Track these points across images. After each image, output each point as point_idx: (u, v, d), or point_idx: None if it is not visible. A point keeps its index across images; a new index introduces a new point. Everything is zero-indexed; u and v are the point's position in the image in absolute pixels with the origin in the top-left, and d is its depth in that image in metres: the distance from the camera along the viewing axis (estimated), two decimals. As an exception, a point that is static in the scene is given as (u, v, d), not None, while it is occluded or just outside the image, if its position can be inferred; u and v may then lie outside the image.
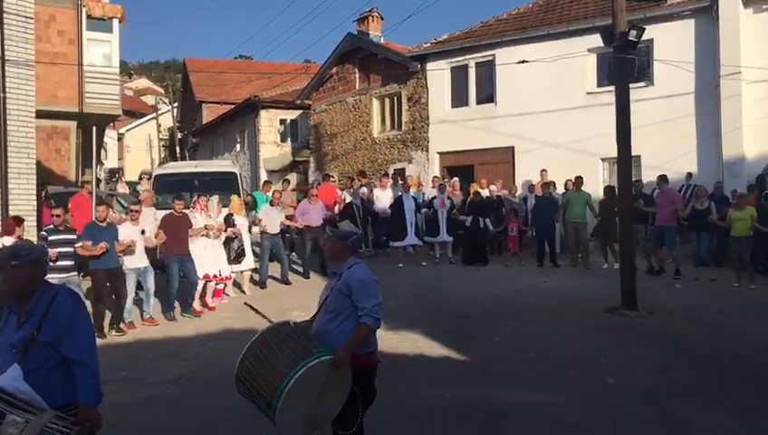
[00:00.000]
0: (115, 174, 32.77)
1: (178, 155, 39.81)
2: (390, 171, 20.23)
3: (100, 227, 9.51)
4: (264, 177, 25.87)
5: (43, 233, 9.42)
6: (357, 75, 23.41)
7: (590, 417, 5.96)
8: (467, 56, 19.65)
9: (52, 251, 8.71)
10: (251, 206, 14.86)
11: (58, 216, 9.32)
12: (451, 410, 6.13)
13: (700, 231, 12.50)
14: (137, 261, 9.97)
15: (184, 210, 10.96)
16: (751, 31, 15.16)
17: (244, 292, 12.15)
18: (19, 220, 9.14)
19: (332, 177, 18.40)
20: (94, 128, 13.76)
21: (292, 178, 23.19)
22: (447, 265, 14.48)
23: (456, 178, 17.01)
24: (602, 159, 16.60)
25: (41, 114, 12.64)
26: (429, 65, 20.37)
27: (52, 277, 7.97)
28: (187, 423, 5.98)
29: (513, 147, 18.42)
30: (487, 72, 19.34)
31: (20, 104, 10.69)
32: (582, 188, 14.45)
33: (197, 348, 8.78)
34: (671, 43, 15.85)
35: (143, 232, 10.19)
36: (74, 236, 9.33)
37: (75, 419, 3.33)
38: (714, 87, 15.28)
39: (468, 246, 14.81)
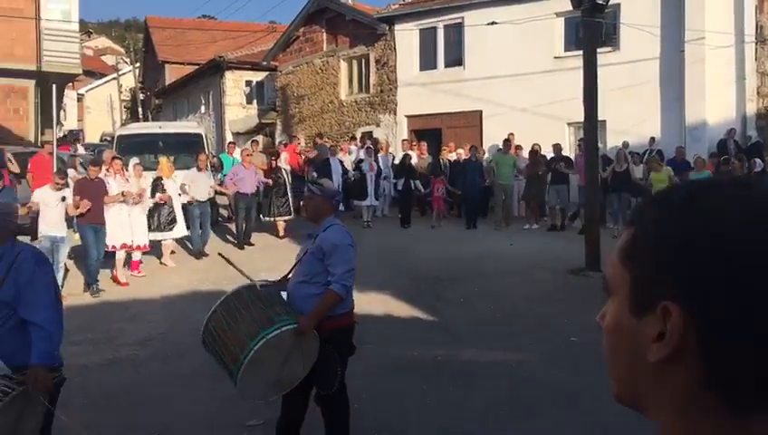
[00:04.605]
0: (76, 135, 32.04)
1: (141, 117, 38.98)
2: (358, 134, 20.12)
3: None
4: (229, 139, 25.51)
5: None
6: (324, 37, 23.07)
7: (553, 374, 6.11)
8: (436, 18, 19.48)
9: None
10: (217, 168, 14.65)
11: None
12: (420, 369, 6.22)
13: (620, 192, 13.16)
14: (51, 229, 9.22)
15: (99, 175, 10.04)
16: (716, -4, 15.30)
17: (164, 264, 11.34)
18: None
19: (298, 138, 18.20)
20: (54, 87, 13.40)
21: (260, 139, 22.91)
22: (393, 228, 14.45)
23: (425, 142, 17.09)
24: (568, 124, 16.72)
25: (-3, 72, 12.28)
26: (397, 27, 20.15)
27: None
28: (155, 382, 5.97)
29: (480, 110, 18.43)
30: (456, 35, 19.21)
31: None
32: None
33: (164, 309, 8.74)
34: (638, 7, 15.91)
35: (63, 199, 9.33)
36: None
37: (23, 378, 3.30)
38: (678, 52, 15.42)
39: (402, 208, 15.01)
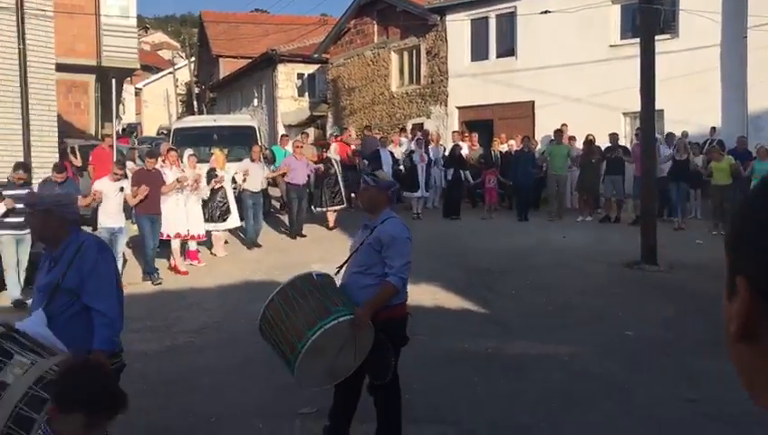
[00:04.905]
0: (134, 129, 32.95)
1: (196, 110, 39.75)
2: (409, 126, 20.10)
3: (54, 183, 9.21)
4: (281, 132, 25.81)
5: None
6: (375, 28, 23.09)
7: (607, 367, 6.02)
8: (487, 8, 19.28)
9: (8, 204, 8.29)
10: (270, 160, 14.83)
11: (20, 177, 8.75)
12: (470, 361, 6.21)
13: (679, 181, 12.94)
14: (109, 220, 9.42)
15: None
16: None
17: (214, 254, 11.45)
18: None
19: (348, 130, 18.27)
20: (113, 81, 13.79)
21: (311, 132, 23.12)
22: (443, 219, 14.34)
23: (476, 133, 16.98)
24: (624, 114, 16.35)
25: (59, 68, 12.66)
26: (449, 17, 20.01)
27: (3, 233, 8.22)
28: (211, 369, 6.11)
29: (533, 101, 18.18)
30: (508, 25, 18.98)
31: (40, 56, 10.72)
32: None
33: (219, 298, 8.92)
34: (698, -7, 15.43)
35: (121, 189, 9.56)
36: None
37: None
38: (741, 39, 14.88)
39: (449, 200, 14.87)
